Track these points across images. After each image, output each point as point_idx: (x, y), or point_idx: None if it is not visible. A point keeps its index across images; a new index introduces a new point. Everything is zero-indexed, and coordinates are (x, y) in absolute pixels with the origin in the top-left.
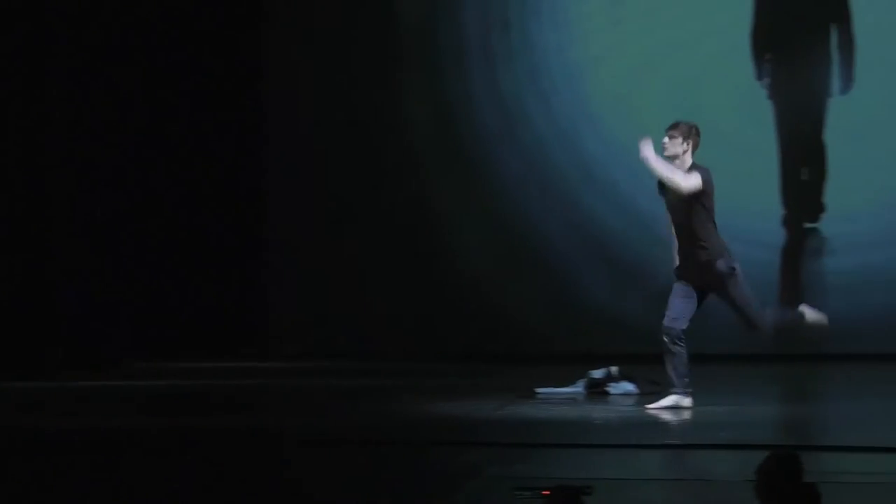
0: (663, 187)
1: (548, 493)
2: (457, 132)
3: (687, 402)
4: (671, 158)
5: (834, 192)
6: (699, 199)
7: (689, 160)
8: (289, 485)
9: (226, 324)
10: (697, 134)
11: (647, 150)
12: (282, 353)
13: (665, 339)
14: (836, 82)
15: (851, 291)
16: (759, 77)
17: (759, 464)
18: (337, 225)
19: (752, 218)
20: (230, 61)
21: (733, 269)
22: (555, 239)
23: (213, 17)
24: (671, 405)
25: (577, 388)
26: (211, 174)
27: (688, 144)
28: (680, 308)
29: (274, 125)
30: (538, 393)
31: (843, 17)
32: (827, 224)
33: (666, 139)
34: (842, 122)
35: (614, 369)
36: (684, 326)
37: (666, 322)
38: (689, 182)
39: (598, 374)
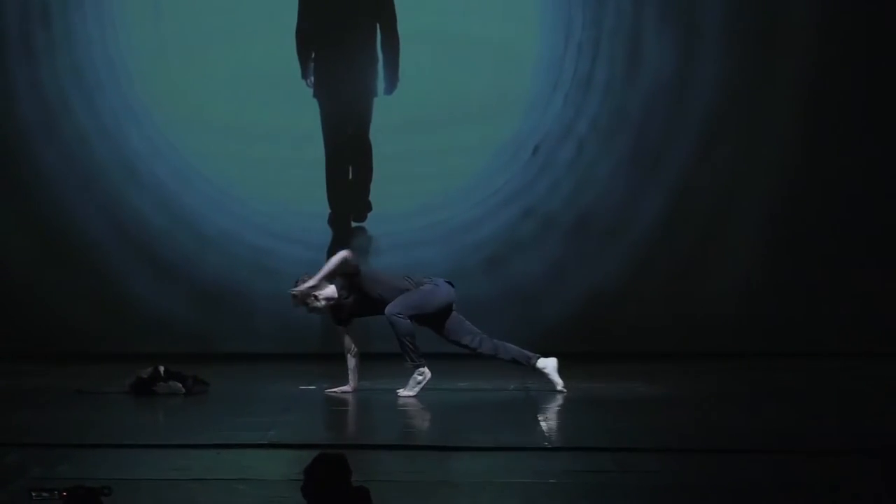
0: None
1: (66, 494)
2: None
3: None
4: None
5: (379, 192)
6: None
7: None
8: None
9: None
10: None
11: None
12: None
13: None
14: (381, 82)
15: None
16: (305, 76)
17: (307, 464)
18: None
19: (298, 217)
20: None
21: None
22: (98, 236)
23: None
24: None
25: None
26: None
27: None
28: None
29: None
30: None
31: (388, 17)
32: (373, 223)
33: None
34: (387, 121)
35: (161, 368)
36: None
37: None
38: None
39: (144, 373)
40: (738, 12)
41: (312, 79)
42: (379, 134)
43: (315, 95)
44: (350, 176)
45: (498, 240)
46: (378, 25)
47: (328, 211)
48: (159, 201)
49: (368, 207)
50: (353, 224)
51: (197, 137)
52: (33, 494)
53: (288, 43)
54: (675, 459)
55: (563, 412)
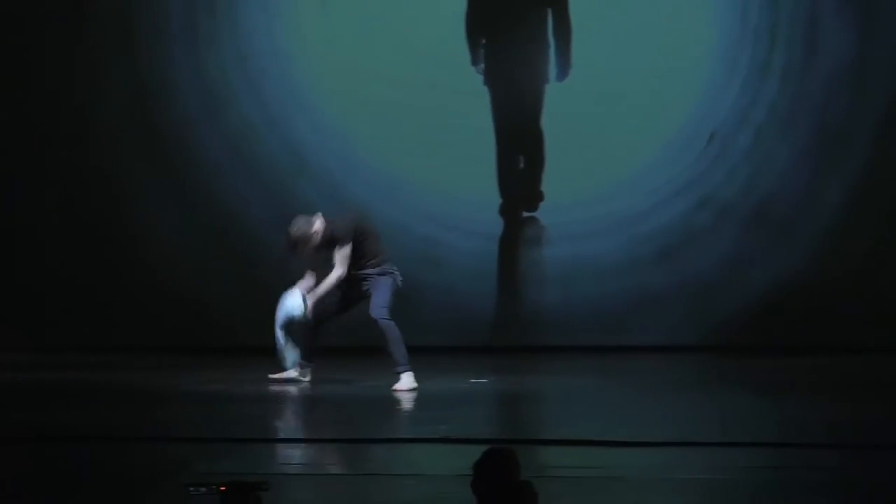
0: None
1: (224, 489)
2: (157, 116)
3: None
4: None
5: (551, 181)
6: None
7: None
8: None
9: None
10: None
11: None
12: None
13: None
14: (553, 69)
15: (565, 282)
16: (475, 62)
17: (476, 459)
18: (26, 211)
19: (469, 207)
20: None
21: None
22: (262, 227)
23: None
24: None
25: None
26: None
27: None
28: None
29: None
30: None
31: (560, 1)
32: (544, 213)
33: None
34: (558, 109)
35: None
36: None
37: None
38: (337, 272)
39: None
40: None
41: (482, 65)
42: (551, 121)
43: (485, 82)
44: (521, 165)
45: (672, 230)
46: (549, 11)
47: (499, 200)
48: (326, 191)
49: (540, 197)
50: (525, 214)
51: (364, 126)
52: (191, 489)
53: (457, 28)
54: (861, 456)
55: (743, 405)
